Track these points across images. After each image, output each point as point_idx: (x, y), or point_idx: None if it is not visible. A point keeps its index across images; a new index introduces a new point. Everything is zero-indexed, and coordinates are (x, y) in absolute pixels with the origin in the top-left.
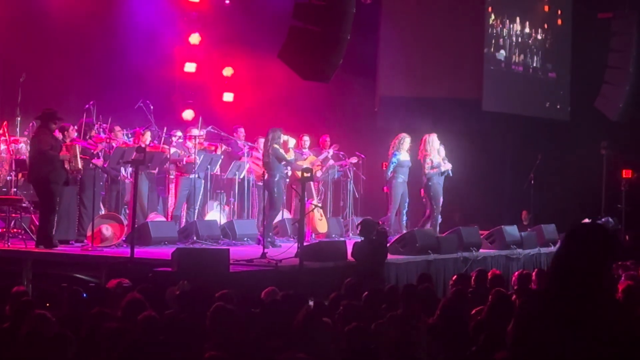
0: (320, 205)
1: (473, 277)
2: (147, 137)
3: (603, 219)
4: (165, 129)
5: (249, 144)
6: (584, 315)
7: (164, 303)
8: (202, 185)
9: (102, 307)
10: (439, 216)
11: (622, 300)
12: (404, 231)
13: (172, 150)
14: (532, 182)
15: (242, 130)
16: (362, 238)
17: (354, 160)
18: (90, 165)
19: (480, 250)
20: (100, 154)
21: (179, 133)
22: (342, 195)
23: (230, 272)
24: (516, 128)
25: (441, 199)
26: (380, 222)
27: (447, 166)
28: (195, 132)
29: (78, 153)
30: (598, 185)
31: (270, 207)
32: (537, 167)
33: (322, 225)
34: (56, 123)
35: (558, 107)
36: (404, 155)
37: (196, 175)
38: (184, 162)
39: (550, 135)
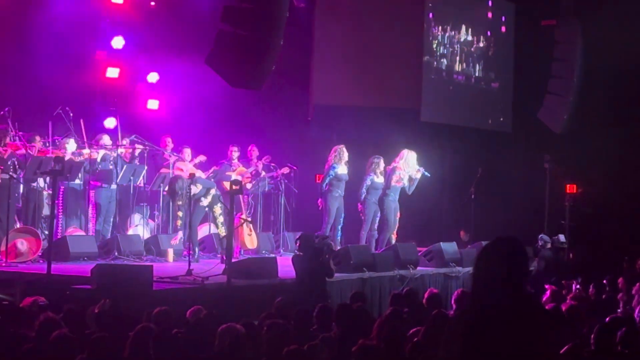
0: (249, 219)
1: (409, 297)
2: (72, 145)
3: (539, 237)
4: (83, 136)
5: (175, 154)
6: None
7: (83, 323)
8: (117, 195)
9: (16, 327)
10: (390, 234)
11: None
12: (338, 247)
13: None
14: (473, 196)
15: (169, 141)
16: (302, 253)
17: (285, 171)
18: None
19: (418, 268)
20: (12, 162)
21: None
22: (273, 209)
23: (154, 290)
24: (456, 140)
25: (394, 215)
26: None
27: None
28: (106, 139)
29: None
30: (541, 200)
31: None
32: (477, 181)
33: (251, 241)
34: None
35: (501, 119)
36: (342, 169)
37: (108, 186)
38: (96, 169)
39: (492, 148)
